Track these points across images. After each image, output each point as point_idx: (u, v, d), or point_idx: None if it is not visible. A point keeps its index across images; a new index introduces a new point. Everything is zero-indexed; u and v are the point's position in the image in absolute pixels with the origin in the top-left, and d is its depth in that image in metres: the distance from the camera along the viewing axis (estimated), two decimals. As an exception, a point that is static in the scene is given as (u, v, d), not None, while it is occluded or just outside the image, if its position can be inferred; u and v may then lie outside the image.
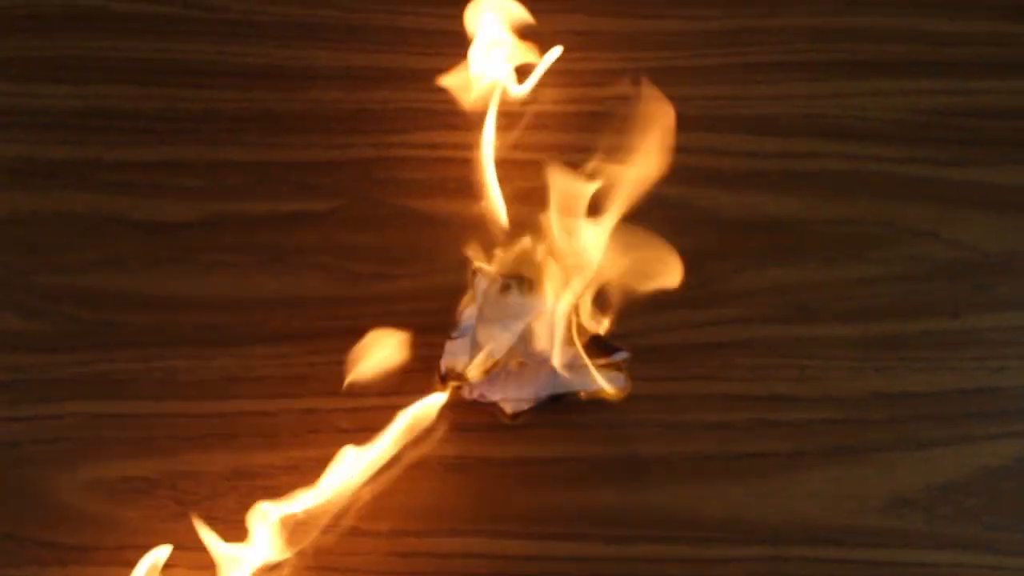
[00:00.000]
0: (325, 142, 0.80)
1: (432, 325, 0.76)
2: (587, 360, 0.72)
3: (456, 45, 0.82)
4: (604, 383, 0.72)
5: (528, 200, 0.79)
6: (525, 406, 0.73)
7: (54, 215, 0.79)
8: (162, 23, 0.83)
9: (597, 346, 0.73)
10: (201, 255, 0.78)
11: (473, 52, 0.79)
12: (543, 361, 0.72)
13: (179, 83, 0.82)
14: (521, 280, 0.74)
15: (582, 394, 0.73)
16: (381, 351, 0.74)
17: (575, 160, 0.79)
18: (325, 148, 0.80)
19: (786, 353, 0.76)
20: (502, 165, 0.79)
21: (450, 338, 0.73)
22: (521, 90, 0.80)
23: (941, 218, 0.79)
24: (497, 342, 0.71)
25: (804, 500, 0.74)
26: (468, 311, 0.74)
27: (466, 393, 0.73)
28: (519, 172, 0.79)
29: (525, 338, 0.71)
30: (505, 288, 0.73)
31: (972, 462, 0.75)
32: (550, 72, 0.82)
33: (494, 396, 0.72)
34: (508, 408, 0.73)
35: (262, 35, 0.83)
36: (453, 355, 0.73)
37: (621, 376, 0.73)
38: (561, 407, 0.74)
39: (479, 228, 0.78)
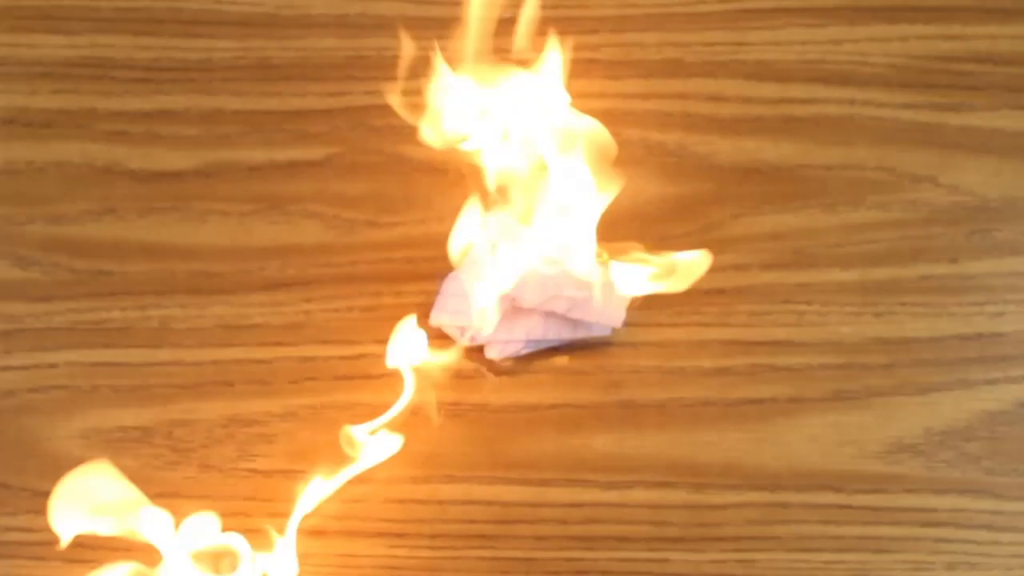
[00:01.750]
0: (320, 90, 0.80)
1: (427, 272, 0.76)
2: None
3: (452, -7, 0.82)
4: (599, 329, 0.72)
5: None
6: (510, 351, 0.72)
7: (49, 165, 0.78)
8: (156, -28, 0.83)
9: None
10: (196, 204, 0.78)
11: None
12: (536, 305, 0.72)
13: (174, 32, 0.81)
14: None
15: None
16: None
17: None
18: (320, 96, 0.80)
19: (785, 299, 0.76)
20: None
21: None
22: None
23: (940, 163, 0.79)
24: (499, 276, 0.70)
25: (803, 445, 0.74)
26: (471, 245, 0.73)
27: (458, 336, 0.72)
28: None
29: (524, 279, 0.70)
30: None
31: (971, 407, 0.74)
32: (547, 20, 0.81)
33: (483, 338, 0.72)
34: (494, 352, 0.72)
35: (257, -16, 0.82)
36: (457, 295, 0.72)
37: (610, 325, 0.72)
38: (558, 352, 0.74)
39: (475, 175, 0.78)
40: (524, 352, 0.73)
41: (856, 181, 0.78)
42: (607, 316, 0.71)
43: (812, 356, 0.75)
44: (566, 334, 0.73)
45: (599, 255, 0.71)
